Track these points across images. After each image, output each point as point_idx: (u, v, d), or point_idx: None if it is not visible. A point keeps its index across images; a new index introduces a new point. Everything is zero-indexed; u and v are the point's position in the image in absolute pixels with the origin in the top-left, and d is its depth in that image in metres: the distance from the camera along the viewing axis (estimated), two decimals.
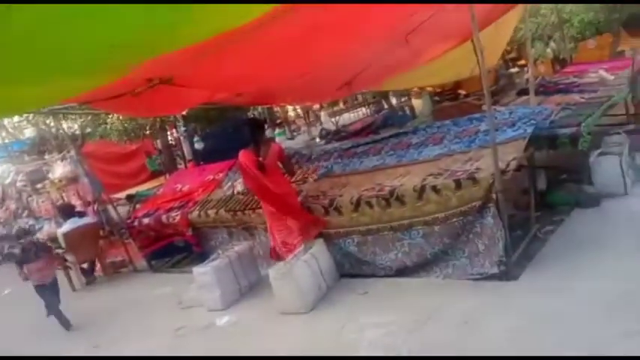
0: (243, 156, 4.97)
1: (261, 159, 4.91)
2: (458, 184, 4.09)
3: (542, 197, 5.10)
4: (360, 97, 17.74)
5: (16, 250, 6.00)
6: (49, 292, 5.67)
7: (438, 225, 4.26)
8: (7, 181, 11.64)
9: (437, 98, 12.64)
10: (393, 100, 16.63)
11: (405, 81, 8.79)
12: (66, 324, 5.61)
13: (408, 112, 14.39)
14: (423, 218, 4.32)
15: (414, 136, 5.62)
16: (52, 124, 13.19)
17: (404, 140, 5.62)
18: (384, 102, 16.66)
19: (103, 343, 5.13)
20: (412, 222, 4.39)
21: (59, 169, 10.02)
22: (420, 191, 4.27)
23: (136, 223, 6.93)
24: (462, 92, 11.69)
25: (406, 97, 15.88)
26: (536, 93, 6.34)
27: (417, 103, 14.88)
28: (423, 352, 3.39)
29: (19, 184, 11.22)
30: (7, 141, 16.28)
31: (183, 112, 9.94)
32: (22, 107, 5.34)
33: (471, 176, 4.08)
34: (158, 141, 12.89)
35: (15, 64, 2.57)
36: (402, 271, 4.58)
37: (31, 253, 5.70)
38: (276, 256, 5.18)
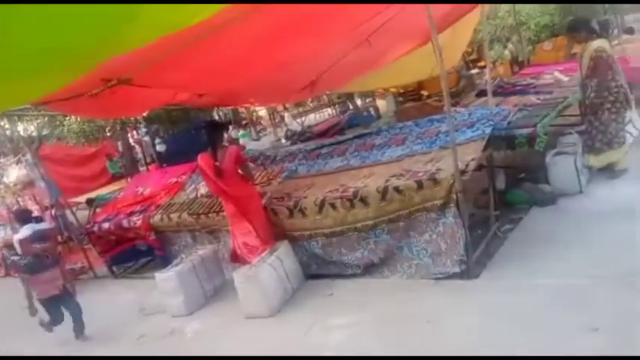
0: (202, 160, 4.93)
1: (217, 163, 4.87)
2: (420, 185, 4.15)
3: (501, 196, 5.23)
4: (325, 98, 17.81)
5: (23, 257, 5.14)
6: (66, 303, 5.21)
7: (402, 221, 4.32)
8: None
9: (400, 99, 12.81)
10: (358, 101, 16.76)
11: (367, 83, 8.84)
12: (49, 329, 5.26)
13: (372, 112, 14.56)
14: (387, 217, 4.37)
15: (377, 137, 5.66)
16: (6, 126, 12.72)
17: (368, 141, 5.66)
18: (349, 103, 16.76)
19: (64, 353, 4.97)
20: (376, 222, 4.42)
21: (14, 173, 9.71)
22: (384, 192, 4.31)
23: (95, 228, 6.74)
24: (425, 93, 11.86)
25: (371, 98, 16.04)
26: (495, 94, 6.48)
27: (381, 103, 15.09)
28: (388, 352, 3.42)
29: None
30: None
31: (144, 114, 9.73)
32: None
33: (431, 177, 4.14)
34: (119, 143, 12.58)
35: None
36: (369, 269, 4.62)
37: (48, 261, 5.10)
38: (237, 258, 5.10)
